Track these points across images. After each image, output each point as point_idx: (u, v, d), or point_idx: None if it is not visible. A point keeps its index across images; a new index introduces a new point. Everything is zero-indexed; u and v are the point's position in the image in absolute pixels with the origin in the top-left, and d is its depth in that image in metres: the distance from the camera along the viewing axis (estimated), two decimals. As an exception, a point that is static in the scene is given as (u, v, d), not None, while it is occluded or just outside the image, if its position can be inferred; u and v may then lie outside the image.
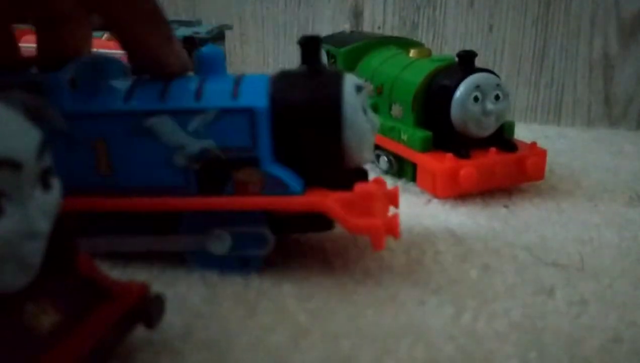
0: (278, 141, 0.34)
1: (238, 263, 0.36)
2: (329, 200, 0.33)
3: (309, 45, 0.35)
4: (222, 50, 0.38)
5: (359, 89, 0.35)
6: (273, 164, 0.34)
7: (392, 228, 0.34)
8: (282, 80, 0.35)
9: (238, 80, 0.35)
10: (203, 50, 0.36)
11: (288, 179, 0.34)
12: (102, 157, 0.34)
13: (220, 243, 0.35)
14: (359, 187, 0.34)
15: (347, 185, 0.34)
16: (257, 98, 0.34)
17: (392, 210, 0.38)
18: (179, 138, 0.34)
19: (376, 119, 0.36)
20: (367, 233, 0.33)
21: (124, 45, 0.35)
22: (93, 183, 0.35)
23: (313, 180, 0.35)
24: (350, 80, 0.35)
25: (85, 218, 0.35)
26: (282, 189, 0.34)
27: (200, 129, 0.34)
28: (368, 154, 0.36)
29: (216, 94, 0.34)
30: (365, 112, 0.35)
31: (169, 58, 0.35)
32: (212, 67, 0.36)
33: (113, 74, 0.37)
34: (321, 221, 0.35)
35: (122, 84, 0.36)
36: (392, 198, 0.39)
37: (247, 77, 0.36)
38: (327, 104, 0.34)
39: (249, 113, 0.33)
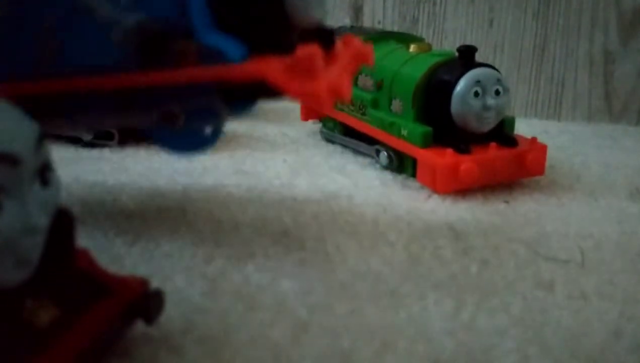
0: (216, 6, 0.32)
1: (195, 139, 0.35)
2: (268, 66, 0.31)
3: None
4: None
5: None
6: (209, 33, 0.32)
7: (337, 88, 0.31)
8: None
9: None
10: None
11: (226, 46, 0.32)
12: (49, 41, 0.34)
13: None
14: (300, 49, 0.31)
15: (290, 45, 0.32)
16: None
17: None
18: (114, 13, 0.32)
19: None
20: (309, 97, 0.31)
21: None
22: (39, 69, 0.34)
23: (258, 47, 0.32)
24: None
25: (41, 101, 0.34)
26: (221, 57, 0.31)
27: (131, 2, 0.32)
28: (318, 8, 0.34)
29: None
30: None
31: None
32: None
33: None
34: (269, 88, 0.32)
35: None
36: (365, 57, 0.37)
37: None
38: None
39: None
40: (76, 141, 0.56)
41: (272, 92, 0.32)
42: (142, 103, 0.34)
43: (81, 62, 0.34)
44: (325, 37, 0.34)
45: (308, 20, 0.33)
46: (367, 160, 0.55)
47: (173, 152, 0.36)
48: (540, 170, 0.49)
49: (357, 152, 0.57)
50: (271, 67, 0.31)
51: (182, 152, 0.36)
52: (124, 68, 0.33)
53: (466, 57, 0.48)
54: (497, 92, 0.47)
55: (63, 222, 0.25)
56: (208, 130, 0.35)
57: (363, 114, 0.54)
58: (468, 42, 0.49)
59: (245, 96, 0.34)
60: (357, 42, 0.37)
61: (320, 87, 0.30)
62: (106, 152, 0.56)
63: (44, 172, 0.23)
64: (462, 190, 0.47)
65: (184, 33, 0.32)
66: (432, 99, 0.49)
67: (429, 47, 0.54)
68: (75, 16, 0.33)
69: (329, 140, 0.61)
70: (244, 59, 0.32)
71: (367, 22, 0.82)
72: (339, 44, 0.36)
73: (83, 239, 0.29)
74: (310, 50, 0.30)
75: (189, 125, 0.34)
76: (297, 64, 0.31)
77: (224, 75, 0.32)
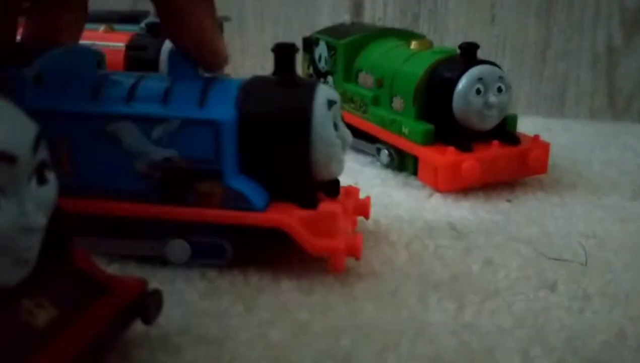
0: (245, 152, 0.34)
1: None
2: (290, 219, 0.33)
3: (283, 53, 0.35)
4: None
5: (330, 103, 0.34)
6: (236, 177, 0.34)
7: (353, 249, 0.34)
8: (253, 89, 0.34)
9: (207, 86, 0.34)
10: (173, 50, 0.35)
11: (250, 193, 0.33)
12: (64, 156, 0.34)
13: (179, 252, 0.35)
14: (322, 206, 0.33)
15: (313, 201, 0.34)
16: (223, 109, 0.33)
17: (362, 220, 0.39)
18: (142, 145, 0.33)
19: (348, 135, 0.36)
20: (327, 255, 0.33)
21: (172, 27, 0.34)
22: None
23: (279, 192, 0.34)
24: (322, 94, 0.34)
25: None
26: (244, 204, 0.33)
27: (163, 137, 0.33)
28: (337, 168, 0.35)
29: (183, 101, 0.34)
30: (336, 127, 0.35)
31: (219, 44, 0.34)
32: (183, 67, 0.35)
33: (85, 66, 0.36)
34: (282, 234, 0.34)
35: (90, 81, 0.35)
36: (363, 210, 0.39)
37: (217, 82, 0.35)
38: (296, 118, 0.33)
39: (213, 125, 0.33)
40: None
41: (283, 238, 0.33)
42: (150, 232, 0.35)
43: (97, 185, 0.34)
44: (332, 188, 0.37)
45: (327, 176, 0.35)
46: (368, 158, 0.55)
47: None
48: (542, 168, 0.49)
49: (357, 150, 0.56)
50: (293, 220, 0.33)
51: None
52: (141, 196, 0.34)
53: (468, 54, 0.48)
54: (500, 90, 0.47)
55: (61, 221, 0.25)
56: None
57: (364, 111, 0.54)
58: (469, 39, 0.49)
59: (258, 239, 0.35)
60: (357, 193, 0.40)
61: (340, 246, 0.33)
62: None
63: (42, 171, 0.23)
64: (464, 188, 0.47)
65: (212, 175, 0.33)
66: (434, 96, 0.48)
67: (430, 44, 0.54)
68: (99, 140, 0.33)
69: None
70: (266, 206, 0.34)
71: (367, 18, 0.81)
72: (342, 192, 0.38)
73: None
74: (333, 209, 0.33)
75: (192, 262, 0.35)
76: (318, 220, 0.33)
77: (245, 221, 0.33)
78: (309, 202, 0.34)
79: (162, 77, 0.36)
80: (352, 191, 0.39)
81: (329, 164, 0.35)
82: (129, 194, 0.34)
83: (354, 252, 0.34)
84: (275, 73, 0.35)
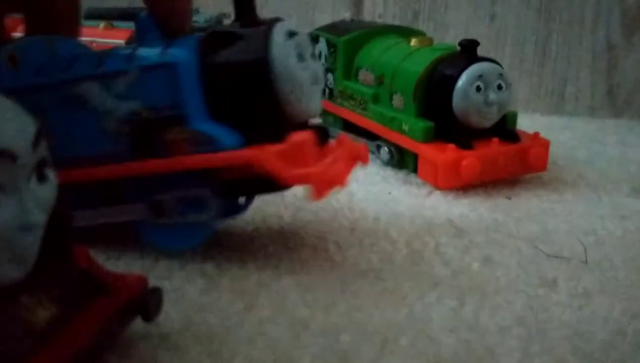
0: (212, 98, 0.33)
1: (186, 232, 0.34)
2: (262, 153, 0.31)
3: None
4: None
5: (291, 34, 0.33)
6: (203, 121, 0.33)
7: (335, 177, 0.32)
8: (211, 36, 0.34)
9: (170, 43, 0.34)
10: (143, 16, 0.36)
11: (218, 134, 0.32)
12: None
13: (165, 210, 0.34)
14: (292, 136, 0.32)
15: (284, 135, 0.32)
16: (181, 53, 0.33)
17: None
18: (106, 102, 0.33)
19: (317, 67, 0.34)
20: (305, 183, 0.32)
21: None
22: None
23: (253, 137, 0.33)
24: (281, 27, 0.33)
25: None
26: (214, 145, 0.32)
27: (125, 90, 0.33)
28: (312, 104, 0.34)
29: (145, 55, 0.33)
30: (302, 58, 0.33)
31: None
32: (150, 32, 0.35)
33: (64, 52, 0.37)
34: (265, 182, 0.33)
35: (64, 60, 0.35)
36: (359, 155, 0.37)
37: (181, 38, 0.35)
38: (254, 55, 0.32)
39: (171, 67, 0.32)
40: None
41: (266, 186, 0.33)
42: (132, 195, 0.34)
43: (71, 153, 0.34)
44: (319, 132, 0.34)
45: (302, 113, 0.34)
46: (368, 155, 0.55)
47: (160, 247, 0.35)
48: (542, 165, 0.48)
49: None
50: (265, 154, 0.31)
51: (170, 248, 0.35)
52: (116, 158, 0.33)
53: (468, 52, 0.48)
54: (500, 87, 0.47)
55: (61, 218, 0.25)
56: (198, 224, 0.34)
57: (364, 109, 0.54)
58: (469, 36, 0.49)
59: (240, 191, 0.35)
60: (350, 141, 0.38)
61: (315, 172, 0.31)
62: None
63: (42, 169, 0.23)
64: (464, 186, 0.47)
65: (178, 121, 0.32)
66: (434, 93, 0.48)
67: (430, 41, 0.54)
68: (67, 105, 0.34)
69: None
70: (237, 146, 0.32)
71: (367, 15, 0.81)
72: (333, 142, 0.36)
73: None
74: (302, 137, 0.31)
75: (179, 218, 0.34)
76: (289, 150, 0.31)
77: (217, 163, 0.32)
78: (281, 137, 0.32)
79: (132, 46, 0.36)
80: (344, 139, 0.38)
81: (298, 98, 0.33)
82: (103, 158, 0.34)
83: (333, 178, 0.32)
84: (236, 19, 0.35)
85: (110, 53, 0.35)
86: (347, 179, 0.33)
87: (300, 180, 0.32)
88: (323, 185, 0.32)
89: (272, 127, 0.33)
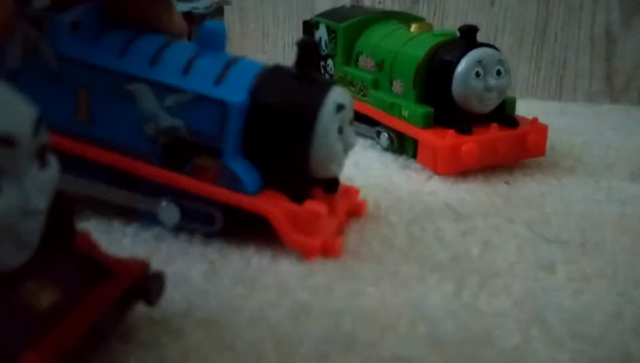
0: (249, 135, 0.35)
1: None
2: (275, 209, 0.34)
3: (306, 48, 0.36)
4: (224, 27, 0.38)
5: (339, 108, 0.35)
6: (235, 159, 0.35)
7: (330, 250, 0.35)
8: (269, 78, 0.35)
9: (228, 65, 0.36)
10: (206, 25, 0.37)
11: (244, 176, 0.34)
12: (83, 104, 0.36)
13: (169, 214, 0.36)
14: (309, 204, 0.34)
15: (303, 196, 0.35)
16: (236, 91, 0.34)
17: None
18: (154, 109, 0.35)
19: (352, 139, 0.37)
20: (301, 250, 0.34)
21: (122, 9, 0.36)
22: (70, 127, 0.36)
23: (273, 181, 0.35)
24: (333, 97, 0.35)
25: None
26: (237, 185, 0.34)
27: (175, 106, 0.34)
28: (335, 169, 0.37)
29: (201, 75, 0.35)
30: (341, 131, 0.35)
31: (171, 27, 0.37)
32: (211, 41, 0.36)
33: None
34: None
35: (121, 37, 0.36)
36: (357, 210, 0.40)
37: (238, 63, 0.36)
38: (303, 114, 0.34)
39: (223, 105, 0.34)
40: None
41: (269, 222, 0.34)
42: (146, 188, 0.36)
43: (108, 137, 0.36)
44: (331, 185, 0.37)
45: (325, 175, 0.36)
46: (368, 141, 0.55)
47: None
48: (541, 151, 0.49)
49: (357, 133, 0.56)
50: (278, 211, 0.34)
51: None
52: (143, 157, 0.36)
53: (468, 37, 0.48)
54: (499, 73, 0.47)
55: (62, 204, 0.25)
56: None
57: (363, 95, 0.54)
58: (469, 22, 0.49)
59: (245, 217, 0.36)
60: (355, 193, 0.40)
61: (316, 245, 0.34)
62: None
63: (43, 154, 0.23)
64: (463, 171, 0.47)
65: (212, 152, 0.34)
66: (433, 79, 0.48)
67: (430, 27, 0.53)
68: (117, 96, 0.35)
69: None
70: (257, 191, 0.35)
71: (367, 2, 0.81)
72: (340, 191, 0.38)
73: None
74: (318, 209, 0.34)
75: (184, 226, 0.36)
76: (301, 216, 0.34)
77: (234, 201, 0.34)
78: (298, 197, 0.35)
79: (186, 47, 0.37)
80: (350, 191, 0.40)
81: (326, 164, 0.35)
82: (135, 152, 0.36)
83: (330, 252, 0.35)
84: (295, 67, 0.36)
85: (164, 56, 0.36)
86: (339, 253, 0.35)
87: (298, 247, 0.34)
88: (315, 255, 0.34)
89: (292, 179, 0.36)
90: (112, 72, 0.35)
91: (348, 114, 0.36)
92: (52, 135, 0.34)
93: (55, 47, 0.35)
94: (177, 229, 0.36)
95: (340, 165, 0.37)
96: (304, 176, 0.36)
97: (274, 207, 0.34)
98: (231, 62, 0.36)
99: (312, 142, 0.34)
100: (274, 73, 0.36)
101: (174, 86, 0.35)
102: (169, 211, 0.36)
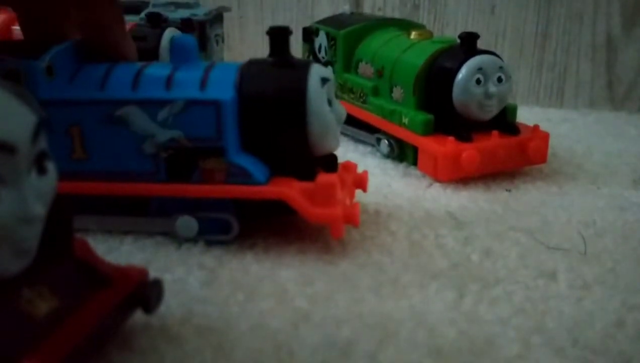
0: (245, 130, 0.36)
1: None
2: (291, 191, 0.35)
3: (278, 35, 0.37)
4: (194, 39, 0.39)
5: (324, 81, 0.36)
6: (238, 154, 0.35)
7: (351, 217, 0.35)
8: (250, 71, 0.36)
9: (207, 70, 0.36)
10: (176, 38, 0.38)
11: (252, 168, 0.35)
12: (77, 142, 0.36)
13: (187, 228, 0.36)
14: (321, 177, 0.35)
15: (311, 173, 0.36)
16: (223, 90, 0.35)
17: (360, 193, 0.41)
18: (148, 127, 0.35)
19: (342, 109, 0.37)
20: (327, 222, 0.35)
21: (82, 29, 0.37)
22: (68, 167, 0.36)
23: (279, 168, 0.36)
24: (316, 73, 0.36)
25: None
26: (247, 178, 0.35)
27: (168, 119, 0.35)
28: (333, 142, 0.37)
29: (185, 84, 0.36)
30: (330, 103, 0.36)
31: (127, 49, 0.39)
32: (184, 55, 0.37)
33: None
34: (284, 207, 0.35)
35: (98, 69, 0.37)
36: (361, 183, 0.40)
37: (217, 66, 0.37)
38: (292, 96, 0.35)
39: (214, 105, 0.34)
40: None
41: (286, 210, 0.35)
42: (159, 210, 0.37)
43: (109, 168, 0.36)
44: (331, 162, 0.38)
45: (325, 149, 0.37)
46: (368, 148, 0.55)
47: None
48: (542, 158, 0.48)
49: (357, 140, 0.56)
50: (294, 192, 0.35)
51: None
52: (150, 176, 0.36)
53: (468, 44, 0.48)
54: (500, 80, 0.47)
55: (61, 211, 0.25)
56: None
57: (363, 102, 0.54)
58: (469, 29, 0.49)
59: (261, 213, 0.37)
60: (354, 168, 0.41)
61: (337, 213, 0.34)
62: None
63: (41, 161, 0.23)
64: (464, 178, 0.47)
65: (215, 152, 0.35)
66: (434, 86, 0.48)
67: (430, 34, 0.53)
68: (108, 125, 0.35)
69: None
70: (267, 180, 0.35)
71: (367, 8, 0.81)
72: (340, 167, 0.39)
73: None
74: (330, 180, 0.35)
75: (200, 236, 0.36)
76: (317, 191, 0.34)
77: (248, 194, 0.35)
78: (308, 175, 0.35)
79: (163, 65, 0.38)
80: (349, 166, 0.41)
81: (324, 138, 0.36)
82: (139, 175, 0.36)
83: (352, 219, 0.35)
84: (270, 55, 0.37)
85: (143, 77, 0.36)
86: (358, 219, 0.36)
87: (322, 220, 0.35)
88: (341, 225, 0.35)
89: (297, 160, 0.36)
90: (99, 102, 0.35)
91: (332, 86, 0.37)
92: None
93: (35, 94, 0.35)
94: (194, 240, 0.37)
95: (336, 138, 0.37)
96: (306, 155, 0.36)
97: (288, 189, 0.35)
98: (209, 67, 0.37)
99: (307, 120, 0.35)
100: (252, 66, 0.37)
101: (162, 99, 0.35)
102: (186, 224, 0.36)
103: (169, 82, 0.36)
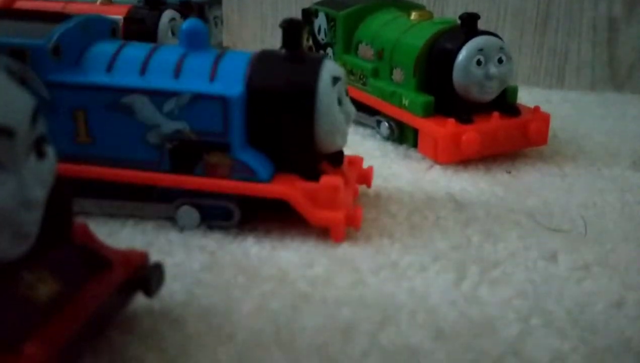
0: (253, 124, 0.35)
1: None
2: (293, 191, 0.34)
3: (291, 28, 0.36)
4: (204, 25, 0.38)
5: (335, 80, 0.35)
6: (244, 150, 0.35)
7: (353, 220, 0.35)
8: (261, 64, 0.36)
9: (217, 59, 0.36)
10: (185, 24, 0.37)
11: (256, 165, 0.35)
12: (81, 126, 0.36)
13: (189, 219, 0.36)
14: (324, 179, 0.35)
15: (316, 173, 0.35)
16: (232, 84, 0.35)
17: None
18: (154, 117, 0.35)
19: (351, 110, 0.37)
20: (328, 226, 0.35)
21: None
22: (72, 150, 0.36)
23: (283, 164, 0.36)
24: (327, 70, 0.35)
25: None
26: (250, 175, 0.35)
27: (174, 110, 0.35)
28: (340, 141, 0.37)
29: (194, 74, 0.35)
30: (340, 102, 0.36)
31: None
32: (195, 40, 0.37)
33: (100, 35, 0.38)
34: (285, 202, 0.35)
35: (105, 52, 0.36)
36: (365, 179, 0.40)
37: (226, 56, 0.36)
38: (302, 93, 0.35)
39: (222, 100, 0.34)
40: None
41: (287, 204, 0.35)
42: (162, 196, 0.36)
43: (113, 154, 0.36)
44: (337, 158, 0.38)
45: (332, 148, 0.37)
46: (368, 130, 0.55)
47: None
48: (543, 139, 0.48)
49: (357, 122, 0.56)
50: (296, 192, 0.34)
51: None
52: (153, 166, 0.36)
53: (468, 25, 0.47)
54: (500, 61, 0.46)
55: (60, 195, 0.25)
56: None
57: (363, 84, 0.54)
58: (470, 10, 0.48)
59: (260, 205, 0.36)
60: (360, 162, 0.41)
61: (339, 217, 0.34)
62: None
63: (40, 145, 0.23)
64: (464, 160, 0.47)
65: (221, 147, 0.34)
66: (434, 67, 0.48)
67: (430, 15, 0.53)
68: (114, 112, 0.35)
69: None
70: (271, 177, 0.35)
71: (367, -10, 0.80)
72: (345, 161, 0.39)
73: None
74: (334, 183, 0.34)
75: (203, 223, 0.36)
76: (320, 192, 0.34)
77: (251, 191, 0.35)
78: (312, 175, 0.35)
79: (173, 48, 0.37)
80: (355, 160, 0.41)
81: (332, 137, 0.36)
82: (142, 163, 0.36)
83: (353, 222, 0.35)
84: (282, 48, 0.36)
85: (151, 63, 0.36)
86: (360, 222, 0.36)
87: (324, 223, 0.35)
88: (342, 229, 0.35)
89: (302, 158, 0.36)
90: (105, 89, 0.35)
91: (343, 84, 0.37)
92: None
93: (41, 75, 0.34)
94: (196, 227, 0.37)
95: (344, 137, 0.37)
96: (312, 153, 0.36)
97: (291, 189, 0.35)
98: (219, 57, 0.36)
99: (315, 119, 0.35)
100: (264, 59, 0.36)
101: (169, 90, 0.34)
102: (188, 215, 0.36)
103: (177, 70, 0.35)
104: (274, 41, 0.84)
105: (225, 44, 0.70)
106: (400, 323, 0.28)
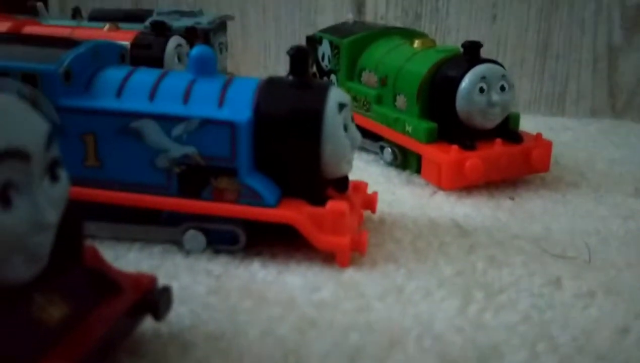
0: (260, 149, 0.36)
1: None
2: (299, 216, 0.35)
3: (298, 56, 0.37)
4: (212, 51, 0.39)
5: (341, 106, 0.36)
6: (251, 175, 0.36)
7: (359, 245, 0.36)
8: (268, 91, 0.36)
9: (226, 85, 0.36)
10: (194, 51, 0.38)
11: (263, 191, 0.35)
12: (90, 150, 0.36)
13: (194, 242, 0.36)
14: (330, 204, 0.35)
15: (322, 198, 0.36)
16: (240, 110, 0.35)
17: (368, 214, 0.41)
18: (163, 142, 0.35)
19: (357, 136, 0.38)
20: (334, 251, 0.35)
21: None
22: (81, 174, 0.36)
23: (290, 189, 0.36)
24: (334, 97, 0.36)
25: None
26: (257, 200, 0.35)
27: (183, 135, 0.35)
28: (346, 167, 0.37)
29: (202, 100, 0.36)
30: (346, 128, 0.36)
31: None
32: (203, 66, 0.37)
33: (109, 60, 0.39)
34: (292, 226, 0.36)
35: (115, 77, 0.37)
36: (370, 204, 0.41)
37: (235, 81, 0.37)
38: (309, 119, 0.35)
39: (231, 126, 0.35)
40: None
41: (293, 228, 0.35)
42: (169, 220, 0.37)
43: (121, 178, 0.36)
44: (342, 183, 0.38)
45: (337, 173, 0.37)
46: (371, 156, 0.55)
47: None
48: (545, 166, 0.49)
49: (361, 148, 0.56)
50: (302, 217, 0.35)
51: None
52: (161, 190, 0.36)
53: (471, 53, 0.48)
54: (503, 88, 0.47)
55: (72, 218, 0.25)
56: None
57: (367, 110, 0.54)
58: (471, 38, 0.49)
59: (266, 229, 0.37)
60: (365, 187, 0.42)
61: (345, 242, 0.35)
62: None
63: (54, 168, 0.23)
64: (467, 186, 0.47)
65: (228, 172, 0.35)
66: (437, 94, 0.49)
67: (433, 42, 0.54)
68: (123, 136, 0.35)
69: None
70: (278, 203, 0.35)
71: (369, 17, 0.82)
72: (350, 187, 0.39)
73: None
74: (340, 208, 0.35)
75: (208, 247, 0.37)
76: (326, 217, 0.35)
77: (258, 216, 0.35)
78: (318, 200, 0.36)
79: (182, 74, 0.38)
80: (360, 186, 0.41)
81: (338, 163, 0.36)
82: (150, 187, 0.36)
83: (359, 248, 0.36)
84: (289, 74, 0.37)
85: (161, 88, 0.36)
86: (366, 247, 0.36)
87: (329, 248, 0.35)
88: (348, 254, 0.35)
89: (309, 184, 0.36)
90: (114, 114, 0.35)
91: (349, 111, 0.37)
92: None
93: (51, 99, 0.35)
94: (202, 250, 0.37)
95: (350, 163, 0.37)
96: (319, 179, 0.36)
97: (298, 214, 0.35)
98: (227, 83, 0.37)
99: (321, 145, 0.35)
100: (271, 85, 0.37)
101: (178, 116, 0.35)
102: (194, 239, 0.36)
103: (186, 95, 0.36)
104: (277, 67, 0.85)
105: (229, 70, 0.71)
106: (407, 349, 0.28)
